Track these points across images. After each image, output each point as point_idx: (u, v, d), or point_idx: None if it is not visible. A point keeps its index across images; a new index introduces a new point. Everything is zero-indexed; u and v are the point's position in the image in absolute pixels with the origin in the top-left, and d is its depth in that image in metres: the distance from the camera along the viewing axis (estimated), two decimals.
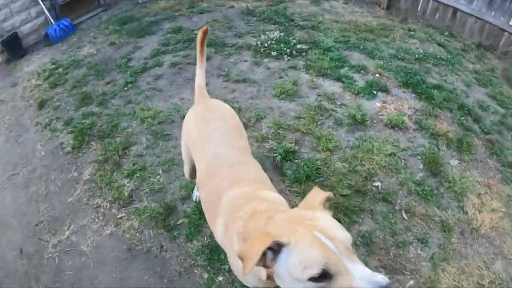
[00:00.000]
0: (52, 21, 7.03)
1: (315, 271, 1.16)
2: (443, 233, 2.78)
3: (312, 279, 1.17)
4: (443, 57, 5.03)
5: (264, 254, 1.23)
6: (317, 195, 1.43)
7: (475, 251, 2.71)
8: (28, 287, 3.02)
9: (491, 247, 2.74)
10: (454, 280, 2.52)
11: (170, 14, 6.28)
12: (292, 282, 1.26)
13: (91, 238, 3.06)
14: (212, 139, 2.00)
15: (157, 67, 4.77)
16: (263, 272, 1.45)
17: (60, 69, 5.46)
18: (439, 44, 5.48)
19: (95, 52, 5.61)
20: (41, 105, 4.83)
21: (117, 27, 6.20)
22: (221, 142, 1.98)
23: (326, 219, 1.32)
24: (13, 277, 3.13)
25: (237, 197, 1.67)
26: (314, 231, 1.22)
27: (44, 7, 7.05)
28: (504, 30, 5.69)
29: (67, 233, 3.18)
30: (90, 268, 2.89)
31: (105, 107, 4.35)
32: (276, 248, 1.25)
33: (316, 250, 1.18)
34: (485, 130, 3.76)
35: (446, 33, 5.85)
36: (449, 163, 3.33)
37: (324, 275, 1.17)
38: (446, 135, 3.58)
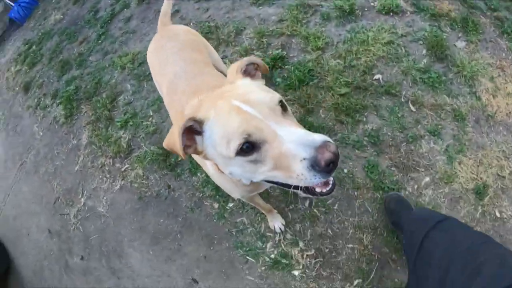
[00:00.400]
0: (11, 3, 6.64)
1: (236, 142, 1.02)
2: (456, 123, 2.49)
3: (239, 153, 1.03)
4: None
5: (193, 139, 1.15)
6: (235, 65, 1.28)
7: (492, 140, 2.43)
8: (64, 262, 3.10)
9: (509, 135, 2.46)
10: (472, 173, 2.31)
11: None
12: (225, 163, 1.14)
13: (105, 198, 3.07)
14: (170, 61, 1.88)
15: (125, 9, 4.42)
16: (208, 166, 1.40)
17: (34, 47, 5.24)
18: None
19: (62, 16, 5.28)
20: (27, 88, 4.71)
21: None
22: (177, 60, 1.86)
23: (246, 85, 1.18)
24: (50, 258, 3.25)
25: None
26: (232, 99, 1.07)
27: None
28: None
29: (82, 200, 3.21)
30: (111, 226, 2.92)
31: (84, 67, 4.16)
32: (199, 129, 1.13)
33: (234, 119, 1.03)
34: (492, 6, 3.20)
35: None
36: (455, 45, 2.88)
37: (252, 146, 1.02)
38: (448, 15, 3.06)
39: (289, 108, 1.15)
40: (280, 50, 3.05)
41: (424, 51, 2.85)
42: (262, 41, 3.18)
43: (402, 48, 2.87)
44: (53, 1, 6.01)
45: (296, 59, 3.01)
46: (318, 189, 1.10)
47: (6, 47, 6.26)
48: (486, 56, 2.83)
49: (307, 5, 3.34)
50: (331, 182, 1.11)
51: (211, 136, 1.11)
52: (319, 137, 0.97)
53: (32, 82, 4.69)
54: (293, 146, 0.97)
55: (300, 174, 0.98)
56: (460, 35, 2.96)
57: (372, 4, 3.23)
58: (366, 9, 3.22)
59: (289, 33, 3.17)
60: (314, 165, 0.95)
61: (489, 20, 3.09)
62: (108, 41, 4.17)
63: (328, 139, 0.98)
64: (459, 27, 2.99)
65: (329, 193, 1.11)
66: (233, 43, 3.31)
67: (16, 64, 5.32)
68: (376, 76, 2.76)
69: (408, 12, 3.13)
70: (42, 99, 4.31)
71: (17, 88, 4.89)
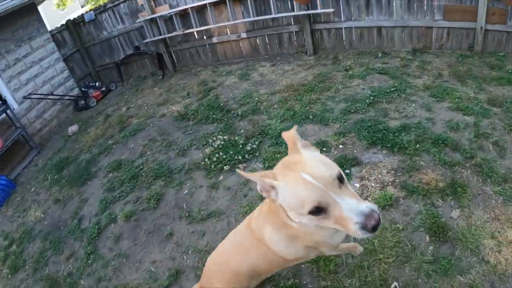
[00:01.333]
0: None
1: (309, 206, 1.51)
2: None
3: (311, 213, 1.53)
4: (391, 88, 5.11)
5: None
6: (292, 135, 1.88)
7: None
8: None
9: None
10: None
11: (104, 145, 6.11)
12: (297, 215, 1.66)
13: None
14: None
15: (112, 225, 4.60)
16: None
17: (14, 246, 5.22)
18: (380, 73, 5.60)
19: (43, 216, 5.39)
20: None
21: (55, 176, 6.00)
22: None
23: (311, 160, 1.65)
24: None
25: None
26: (301, 172, 1.55)
27: None
28: (431, 27, 6.08)
29: None
30: None
31: None
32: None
33: (305, 188, 1.51)
34: (468, 155, 3.72)
35: (380, 54, 5.95)
36: (451, 217, 3.18)
37: (321, 209, 1.51)
38: (436, 186, 3.46)
39: (345, 178, 1.65)
40: (292, 280, 3.10)
41: (427, 238, 3.07)
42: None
43: (407, 243, 3.07)
44: (32, 190, 6.19)
45: (311, 286, 3.06)
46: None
47: None
48: (481, 214, 3.14)
49: None
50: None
51: (284, 196, 1.63)
52: (367, 207, 1.48)
53: None
54: (349, 213, 1.47)
55: (354, 231, 1.48)
56: (452, 203, 3.29)
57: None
58: None
59: None
60: (364, 227, 1.46)
61: (470, 170, 3.53)
62: (99, 264, 4.21)
63: (374, 208, 1.49)
64: (449, 194, 3.34)
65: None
66: None
67: None
68: (393, 285, 2.87)
69: (401, 199, 3.46)
70: None
71: None
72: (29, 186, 6.41)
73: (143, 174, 5.03)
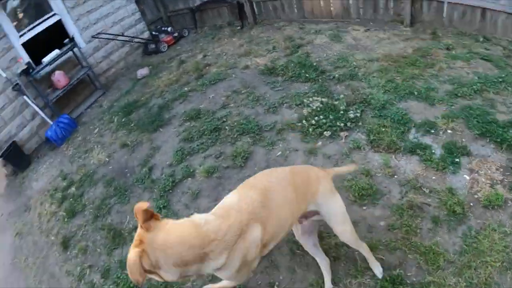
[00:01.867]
0: (49, 120, 6.42)
1: None
2: None
3: None
4: (498, 78, 4.47)
5: None
6: None
7: None
8: None
9: None
10: None
11: (178, 91, 5.54)
12: None
13: None
14: None
15: (190, 179, 4.04)
16: None
17: (73, 188, 4.86)
18: (483, 58, 4.92)
19: (107, 159, 4.95)
20: (65, 244, 4.20)
21: (123, 119, 5.54)
22: None
23: None
24: None
25: None
26: None
27: (37, 108, 6.45)
28: None
29: None
30: None
31: None
32: None
33: None
34: None
35: (481, 38, 5.37)
36: None
37: None
38: None
39: None
40: (398, 270, 2.73)
41: None
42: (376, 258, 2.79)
43: None
44: (95, 131, 5.78)
45: (415, 279, 2.70)
46: None
47: (40, 169, 5.99)
48: None
49: (415, 205, 3.15)
50: None
51: None
52: None
53: (73, 239, 4.23)
54: None
55: None
56: None
57: (475, 196, 3.16)
58: (471, 203, 3.14)
59: (405, 247, 2.88)
60: None
61: None
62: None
63: None
64: None
65: None
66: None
67: (52, 201, 4.92)
68: None
69: (509, 201, 3.06)
70: (88, 271, 3.77)
71: (52, 237, 4.42)
72: (92, 127, 6.03)
73: (226, 127, 4.44)
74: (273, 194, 2.05)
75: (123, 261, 3.52)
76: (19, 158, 6.36)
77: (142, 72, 6.60)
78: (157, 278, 1.77)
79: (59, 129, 6.19)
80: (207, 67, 5.90)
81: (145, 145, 4.78)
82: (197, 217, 1.92)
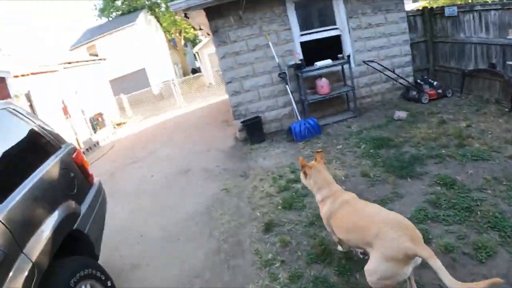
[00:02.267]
0: (298, 116, 7.06)
1: None
2: None
3: None
4: None
5: None
6: None
7: None
8: None
9: None
10: None
11: (435, 150, 5.31)
12: None
13: None
14: None
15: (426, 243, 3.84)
16: None
17: (298, 185, 5.03)
18: None
19: (343, 178, 5.09)
20: (268, 227, 4.39)
21: (371, 150, 5.63)
22: None
23: None
24: None
25: None
26: None
27: (293, 100, 7.14)
28: None
29: None
30: None
31: None
32: None
33: None
34: None
35: None
36: None
37: None
38: None
39: None
40: None
41: None
42: None
43: None
44: (338, 147, 6.04)
45: None
46: None
47: (270, 150, 6.76)
48: None
49: None
50: None
51: None
52: None
53: (277, 228, 4.35)
54: None
55: None
56: None
57: None
58: None
59: None
60: None
61: None
62: None
63: None
64: None
65: None
66: None
67: (272, 184, 5.36)
68: None
69: None
70: (277, 264, 3.74)
71: (257, 213, 4.73)
72: (336, 141, 6.30)
73: (478, 212, 4.14)
74: None
75: (318, 279, 3.40)
76: (256, 132, 7.19)
77: (400, 115, 6.68)
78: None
79: (304, 127, 6.70)
80: (469, 139, 5.61)
81: (388, 186, 4.77)
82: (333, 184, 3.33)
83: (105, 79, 18.38)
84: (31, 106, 10.90)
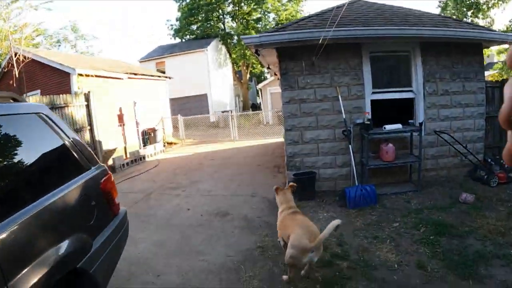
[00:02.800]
0: (356, 180, 6.52)
1: None
2: None
3: None
4: None
5: None
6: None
7: None
8: None
9: None
10: None
11: (503, 248, 4.49)
12: None
13: None
14: None
15: None
16: None
17: (344, 264, 4.40)
18: None
19: (395, 266, 4.44)
20: None
21: (431, 237, 4.99)
22: None
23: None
24: None
25: None
26: None
27: (353, 161, 6.64)
28: None
29: None
30: None
31: None
32: None
33: None
34: None
35: None
36: None
37: None
38: None
39: None
40: None
41: None
42: None
43: None
44: (394, 224, 5.38)
45: None
46: None
47: (319, 211, 6.18)
48: None
49: None
50: None
51: None
52: None
53: None
54: None
55: None
56: None
57: None
58: None
59: None
60: None
61: None
62: None
63: None
64: None
65: None
66: None
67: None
68: None
69: None
70: None
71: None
72: (392, 217, 5.65)
73: None
74: None
75: None
76: (307, 188, 6.71)
77: (467, 198, 5.94)
78: None
79: (360, 193, 6.10)
80: None
81: (445, 287, 4.19)
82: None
83: (166, 96, 18.71)
84: (87, 106, 11.11)
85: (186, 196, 8.20)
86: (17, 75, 12.45)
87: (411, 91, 7.23)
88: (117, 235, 3.36)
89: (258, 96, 39.57)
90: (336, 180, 7.23)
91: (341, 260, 4.52)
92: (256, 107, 37.79)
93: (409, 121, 6.98)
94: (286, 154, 7.33)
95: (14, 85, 12.37)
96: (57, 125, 3.12)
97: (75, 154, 3.18)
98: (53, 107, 9.76)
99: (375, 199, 6.17)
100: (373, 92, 7.06)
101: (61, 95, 10.22)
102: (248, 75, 38.95)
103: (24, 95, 9.29)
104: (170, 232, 6.00)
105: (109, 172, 3.57)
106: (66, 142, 3.13)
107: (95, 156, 3.54)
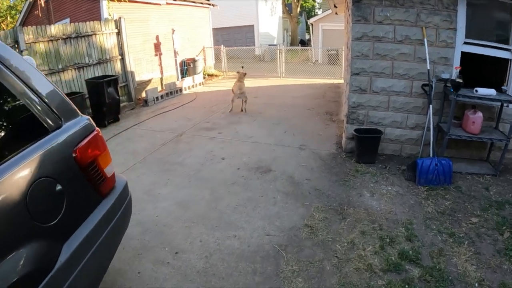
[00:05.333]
0: (431, 151, 5.26)
1: None
2: None
3: None
4: None
5: None
6: None
7: None
8: None
9: None
10: None
11: None
12: None
13: None
14: None
15: None
16: None
17: (415, 271, 3.33)
18: None
19: (476, 284, 3.32)
20: None
21: (509, 240, 3.80)
22: None
23: None
24: None
25: None
26: None
27: (432, 125, 5.34)
28: None
29: None
30: None
31: None
32: None
33: None
34: None
35: None
36: None
37: None
38: None
39: None
40: None
41: None
42: None
43: None
44: (472, 219, 4.17)
45: None
46: None
47: (381, 187, 5.07)
48: None
49: None
50: None
51: None
52: None
53: None
54: None
55: None
56: None
57: None
58: None
59: None
60: None
61: None
62: None
63: None
64: None
65: None
66: None
67: (372, 242, 3.86)
68: None
69: None
70: None
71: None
72: (469, 206, 4.37)
73: None
74: None
75: None
76: (369, 149, 5.79)
77: None
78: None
79: (434, 168, 4.91)
80: None
81: None
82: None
83: (209, 26, 17.32)
84: (118, 33, 10.05)
85: (222, 140, 7.26)
86: (43, 4, 11.71)
87: (508, 50, 5.58)
88: (109, 223, 2.33)
89: (307, 32, 37.31)
90: (403, 144, 6.01)
91: (411, 264, 3.47)
92: (304, 43, 35.58)
93: (502, 87, 5.46)
94: (348, 104, 6.09)
95: (40, 15, 11.73)
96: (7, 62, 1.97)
97: (32, 105, 2.04)
98: (78, 35, 8.83)
99: (450, 178, 4.97)
100: (465, 43, 5.49)
101: (87, 22, 9.20)
102: (298, 9, 36.31)
103: (52, 25, 8.28)
104: (198, 189, 5.11)
105: (96, 128, 2.42)
106: (14, 88, 1.97)
107: (72, 105, 2.37)
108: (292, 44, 33.25)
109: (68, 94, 7.43)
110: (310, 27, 26.07)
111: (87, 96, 8.69)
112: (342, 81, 14.08)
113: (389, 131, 5.96)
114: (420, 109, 5.73)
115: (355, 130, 5.80)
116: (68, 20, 11.81)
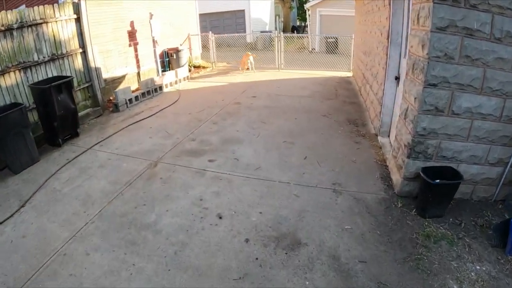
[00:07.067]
0: None
1: None
2: None
3: None
4: None
5: None
6: None
7: None
8: None
9: None
10: None
11: None
12: None
13: None
14: None
15: None
16: None
17: None
18: None
19: None
20: None
21: None
22: None
23: None
24: None
25: None
26: None
27: None
28: None
29: None
30: None
31: None
32: None
33: None
34: None
35: None
36: None
37: None
38: None
39: None
40: None
41: None
42: None
43: None
44: None
45: None
46: None
47: (467, 265, 3.18)
48: None
49: None
50: None
51: None
52: None
53: None
54: None
55: None
56: None
57: None
58: None
59: None
60: None
61: None
62: None
63: None
64: None
65: None
66: None
67: None
68: None
69: None
70: None
71: None
72: None
73: None
74: None
75: None
76: (442, 199, 3.91)
77: None
78: None
79: None
80: None
81: None
82: None
83: (195, 10, 15.16)
84: (78, 20, 7.84)
85: (215, 176, 5.15)
86: None
87: None
88: None
89: (299, 18, 35.07)
90: (476, 185, 4.14)
91: None
92: (296, 30, 33.53)
93: None
94: (416, 130, 4.01)
95: None
96: None
97: None
98: (23, 25, 6.50)
99: None
100: None
101: (35, 7, 6.80)
102: None
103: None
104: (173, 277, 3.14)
105: None
106: None
107: None
108: (284, 31, 31.02)
109: (1, 109, 5.41)
110: (306, 12, 24.08)
111: (33, 107, 6.54)
112: (349, 74, 12.71)
113: (464, 168, 4.03)
114: (508, 139, 3.85)
115: (424, 171, 3.87)
116: (23, 7, 9.58)
